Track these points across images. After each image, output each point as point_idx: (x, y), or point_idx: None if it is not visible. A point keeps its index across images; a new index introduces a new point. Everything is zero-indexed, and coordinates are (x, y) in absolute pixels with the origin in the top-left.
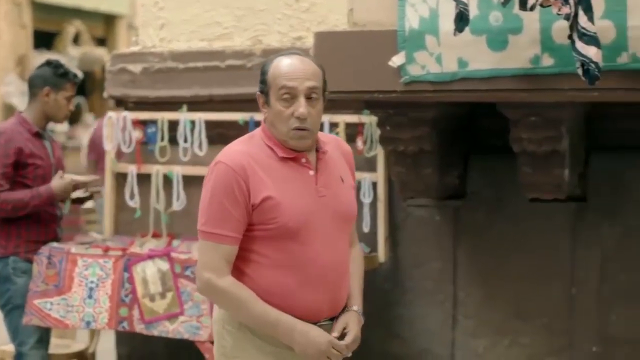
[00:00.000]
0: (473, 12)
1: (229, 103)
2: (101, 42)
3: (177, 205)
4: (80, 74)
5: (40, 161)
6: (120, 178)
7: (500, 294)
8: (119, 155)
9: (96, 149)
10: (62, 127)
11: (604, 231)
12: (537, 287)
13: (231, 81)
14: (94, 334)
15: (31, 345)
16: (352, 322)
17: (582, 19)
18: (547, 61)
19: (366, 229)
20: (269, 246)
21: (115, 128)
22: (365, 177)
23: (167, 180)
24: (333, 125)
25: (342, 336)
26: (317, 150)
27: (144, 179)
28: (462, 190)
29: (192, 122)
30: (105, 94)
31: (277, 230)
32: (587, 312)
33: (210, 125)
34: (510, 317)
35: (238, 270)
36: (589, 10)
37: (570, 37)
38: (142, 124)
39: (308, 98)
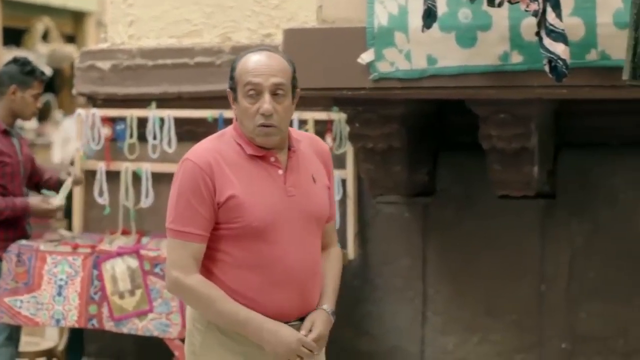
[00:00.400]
0: (442, 9)
1: (198, 100)
2: (70, 39)
3: (146, 202)
4: (48, 71)
5: (9, 159)
6: (89, 175)
7: (470, 291)
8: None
9: None
10: (31, 124)
11: (573, 228)
12: (506, 284)
13: (200, 78)
14: (63, 331)
15: (1, 342)
16: (319, 320)
17: (550, 16)
18: (516, 58)
19: (335, 226)
20: (235, 245)
21: (84, 125)
22: (335, 174)
23: (136, 177)
24: (302, 123)
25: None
26: (289, 149)
27: (113, 176)
28: (431, 187)
29: (161, 119)
30: (74, 91)
31: (241, 230)
32: (556, 309)
33: (179, 122)
34: (479, 314)
35: (206, 269)
36: (557, 7)
37: (537, 33)
38: (111, 121)
39: (274, 94)
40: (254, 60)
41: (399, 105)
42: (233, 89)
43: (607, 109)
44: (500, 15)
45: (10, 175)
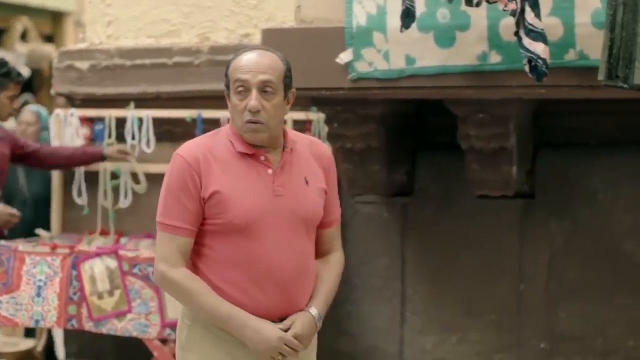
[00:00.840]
0: (420, 9)
1: (177, 100)
2: (49, 38)
3: (125, 202)
4: (26, 72)
5: None
6: (68, 175)
7: (449, 291)
8: None
9: None
10: (9, 124)
11: (551, 228)
12: (485, 283)
13: (178, 78)
14: (42, 332)
15: None
16: (299, 320)
17: (529, 15)
18: (495, 58)
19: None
20: (219, 241)
21: (62, 125)
22: None
23: (115, 177)
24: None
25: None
26: (283, 149)
27: (91, 177)
28: (410, 187)
29: (140, 119)
30: (52, 91)
31: (224, 226)
32: (535, 308)
33: (157, 122)
34: (458, 314)
35: (193, 264)
36: (535, 7)
37: (516, 33)
38: (89, 121)
39: (263, 92)
40: (245, 58)
41: (378, 105)
42: (227, 86)
43: (585, 109)
44: (479, 15)
45: None
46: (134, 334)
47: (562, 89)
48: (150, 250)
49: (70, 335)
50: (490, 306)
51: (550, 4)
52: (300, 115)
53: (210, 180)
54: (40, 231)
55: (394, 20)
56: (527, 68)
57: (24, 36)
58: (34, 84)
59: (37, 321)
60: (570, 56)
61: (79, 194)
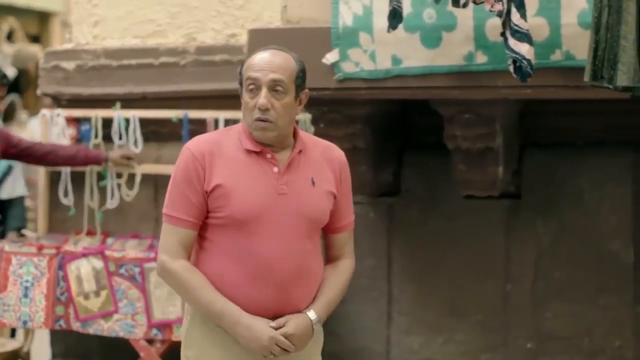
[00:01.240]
0: (407, 9)
1: (163, 100)
2: (35, 39)
3: (111, 203)
4: (12, 72)
5: None
6: (54, 176)
7: (435, 291)
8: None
9: None
10: None
11: (538, 228)
12: (471, 284)
13: (165, 78)
14: (28, 332)
15: None
16: (293, 321)
17: (515, 16)
18: (481, 58)
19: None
20: (219, 235)
21: (49, 126)
22: None
23: (101, 177)
24: None
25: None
26: (293, 149)
27: (77, 177)
28: (396, 187)
29: (126, 120)
30: (38, 92)
31: (225, 220)
32: (521, 308)
33: (143, 122)
34: (445, 314)
35: (196, 257)
36: (521, 8)
37: (502, 34)
38: (76, 121)
39: (273, 90)
40: (258, 57)
41: (364, 105)
42: (241, 84)
43: (572, 109)
44: (465, 16)
45: None
46: (121, 334)
47: (548, 89)
48: (136, 251)
49: (57, 336)
50: (476, 306)
51: (537, 5)
52: None
53: (214, 174)
54: (26, 231)
55: (380, 20)
56: (511, 68)
57: (10, 36)
58: (21, 85)
59: (25, 322)
60: (557, 56)
61: (65, 194)
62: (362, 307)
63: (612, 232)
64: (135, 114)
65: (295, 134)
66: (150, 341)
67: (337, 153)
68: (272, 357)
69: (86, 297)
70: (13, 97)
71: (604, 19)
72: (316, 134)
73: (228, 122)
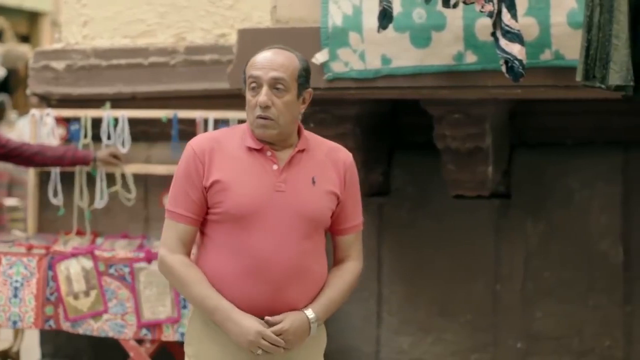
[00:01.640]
0: (396, 9)
1: (152, 100)
2: (25, 39)
3: (101, 203)
4: (2, 72)
5: None
6: (44, 175)
7: (425, 291)
8: None
9: None
10: None
11: (527, 228)
12: (461, 283)
13: (154, 78)
14: (18, 332)
15: None
16: (289, 318)
17: (506, 17)
18: (471, 58)
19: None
20: (217, 231)
21: (38, 125)
22: None
23: (91, 177)
24: None
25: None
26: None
27: (67, 177)
28: (386, 187)
29: (116, 120)
30: (28, 91)
31: (221, 215)
32: (511, 308)
33: (133, 122)
34: (434, 314)
35: (197, 252)
36: (512, 8)
37: (493, 34)
38: (65, 121)
39: (274, 88)
40: (261, 56)
41: (354, 105)
42: (245, 83)
43: (561, 109)
44: (455, 16)
45: None
46: (110, 334)
47: (537, 89)
48: (126, 251)
49: (46, 336)
50: (466, 306)
51: (526, 4)
52: None
53: (213, 170)
54: (16, 232)
55: (370, 20)
56: (503, 69)
57: None
58: (10, 84)
59: (14, 322)
60: (546, 56)
61: (55, 194)
62: (351, 307)
63: (601, 231)
64: (124, 113)
65: (299, 134)
66: (139, 341)
67: (343, 154)
68: (262, 353)
69: (76, 297)
70: (2, 97)
71: (596, 18)
72: None
73: (217, 122)
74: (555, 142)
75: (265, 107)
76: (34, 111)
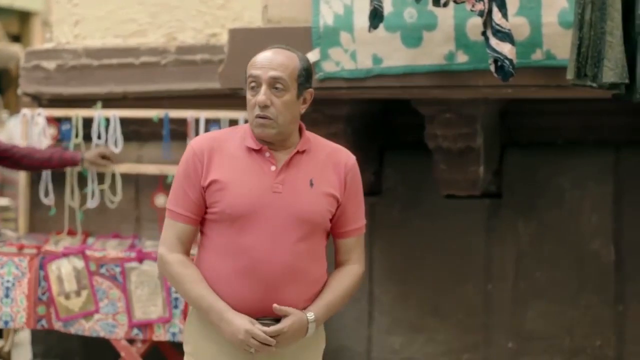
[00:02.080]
0: (387, 8)
1: (144, 100)
2: (16, 38)
3: (92, 202)
4: None
5: None
6: (35, 175)
7: (416, 291)
8: None
9: None
10: None
11: (519, 227)
12: (452, 283)
13: (146, 78)
14: (9, 332)
15: None
16: (290, 319)
17: (497, 16)
18: (462, 58)
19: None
20: (213, 230)
21: (29, 125)
22: None
23: (82, 177)
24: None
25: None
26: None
27: (58, 177)
28: (377, 187)
29: (107, 119)
30: (19, 91)
31: (218, 215)
32: (502, 308)
33: (124, 122)
34: (426, 314)
35: (197, 252)
36: (503, 7)
37: (484, 33)
38: (56, 121)
39: (273, 88)
40: (261, 55)
41: (345, 105)
42: (246, 82)
43: (552, 109)
44: (446, 15)
45: None
46: (102, 334)
47: (529, 89)
48: (117, 251)
49: (37, 336)
50: (457, 306)
51: (517, 4)
52: None
53: (211, 170)
54: (7, 231)
55: (361, 20)
56: (492, 68)
57: None
58: (1, 84)
59: (6, 322)
60: (537, 56)
61: (46, 194)
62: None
63: (592, 231)
64: (115, 113)
65: (301, 134)
66: (131, 341)
67: (345, 157)
68: (253, 352)
69: (67, 297)
70: None
71: (588, 15)
72: None
73: (209, 122)
74: (547, 142)
75: (264, 107)
76: (25, 111)
